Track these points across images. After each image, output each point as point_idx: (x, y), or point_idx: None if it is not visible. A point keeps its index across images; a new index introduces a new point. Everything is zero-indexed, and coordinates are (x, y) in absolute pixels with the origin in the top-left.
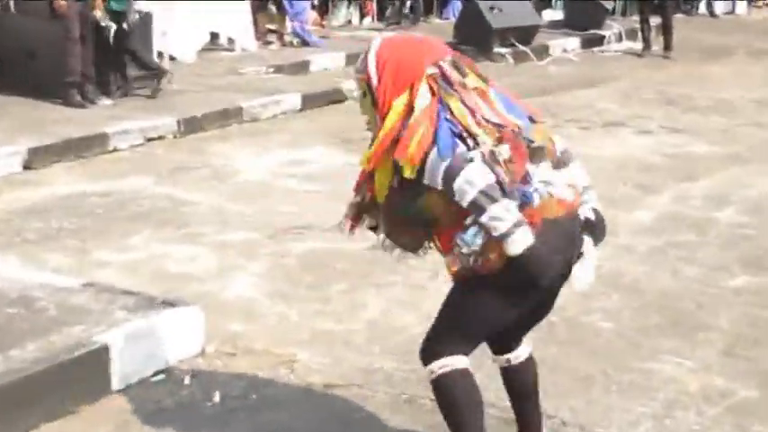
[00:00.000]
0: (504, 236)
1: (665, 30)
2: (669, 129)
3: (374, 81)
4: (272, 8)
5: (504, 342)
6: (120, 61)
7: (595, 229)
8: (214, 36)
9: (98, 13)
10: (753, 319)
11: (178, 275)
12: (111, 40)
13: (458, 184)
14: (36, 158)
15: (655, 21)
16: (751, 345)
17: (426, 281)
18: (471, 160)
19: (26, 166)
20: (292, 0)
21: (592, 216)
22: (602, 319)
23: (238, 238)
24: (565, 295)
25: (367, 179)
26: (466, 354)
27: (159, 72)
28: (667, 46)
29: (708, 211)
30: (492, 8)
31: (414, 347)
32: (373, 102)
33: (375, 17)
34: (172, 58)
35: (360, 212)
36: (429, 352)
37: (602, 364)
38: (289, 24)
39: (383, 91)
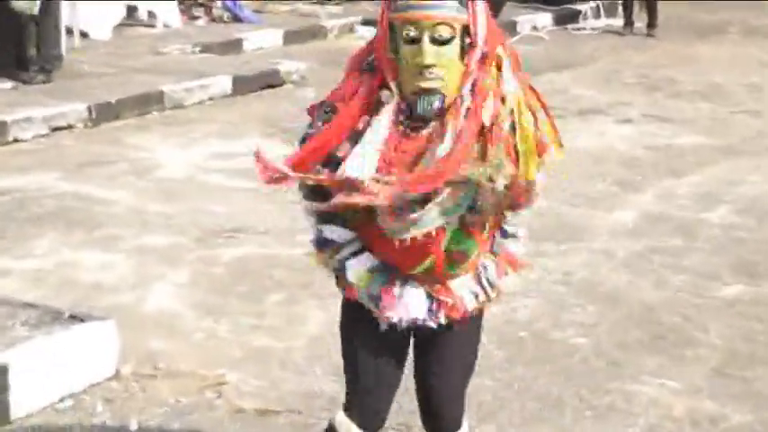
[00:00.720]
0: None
1: (649, 4)
2: (653, 117)
3: (481, 30)
4: None
5: None
6: (26, 33)
7: None
8: (132, 10)
9: None
10: (747, 333)
11: (89, 285)
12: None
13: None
14: None
15: None
16: (745, 363)
17: None
18: None
19: None
20: None
21: None
22: (576, 334)
23: (160, 243)
24: (533, 306)
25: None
26: None
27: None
28: (651, 23)
29: (696, 211)
30: None
31: None
32: (462, 53)
33: None
34: (83, 35)
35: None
36: (459, 416)
37: (576, 386)
38: None
39: (491, 44)
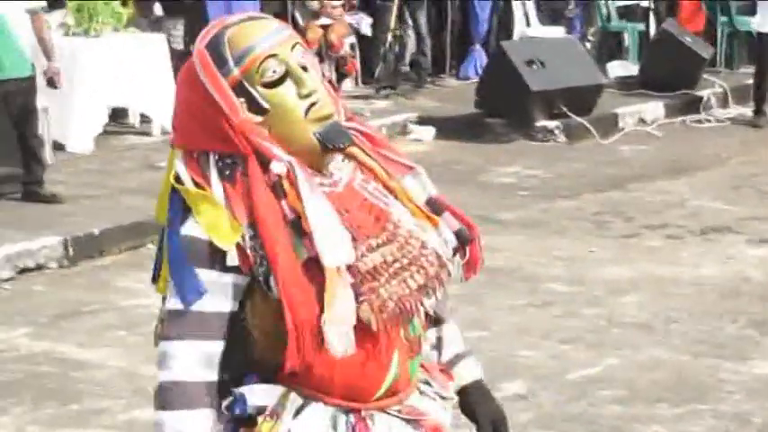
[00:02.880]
0: None
1: None
2: None
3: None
4: None
5: None
6: None
7: None
8: (119, 113)
9: None
10: None
11: None
12: None
13: None
14: None
15: None
16: None
17: None
18: None
19: None
20: None
21: None
22: None
23: None
24: None
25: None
26: None
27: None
28: None
29: None
30: (531, 62)
31: None
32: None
33: (359, 78)
34: (57, 147)
35: None
36: None
37: None
38: None
39: None
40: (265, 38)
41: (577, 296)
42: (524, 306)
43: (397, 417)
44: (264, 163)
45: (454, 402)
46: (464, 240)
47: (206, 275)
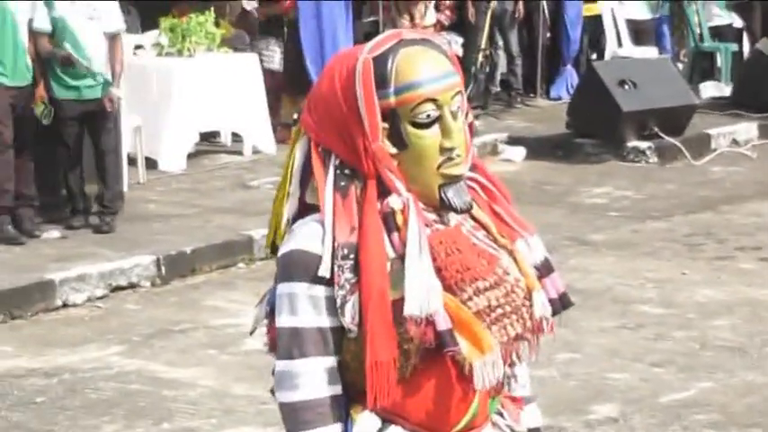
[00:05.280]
0: None
1: None
2: None
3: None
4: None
5: None
6: (77, 173)
7: None
8: (212, 132)
9: (39, 107)
10: None
11: None
12: (71, 140)
13: None
14: None
15: None
16: None
17: None
18: None
19: None
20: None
21: None
22: None
23: None
24: None
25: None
26: None
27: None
28: None
29: None
30: (623, 82)
31: None
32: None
33: None
34: (150, 166)
35: None
36: None
37: None
38: None
39: None
40: (435, 79)
41: (669, 318)
42: (616, 328)
43: None
44: (382, 191)
45: None
46: (558, 309)
47: (315, 290)
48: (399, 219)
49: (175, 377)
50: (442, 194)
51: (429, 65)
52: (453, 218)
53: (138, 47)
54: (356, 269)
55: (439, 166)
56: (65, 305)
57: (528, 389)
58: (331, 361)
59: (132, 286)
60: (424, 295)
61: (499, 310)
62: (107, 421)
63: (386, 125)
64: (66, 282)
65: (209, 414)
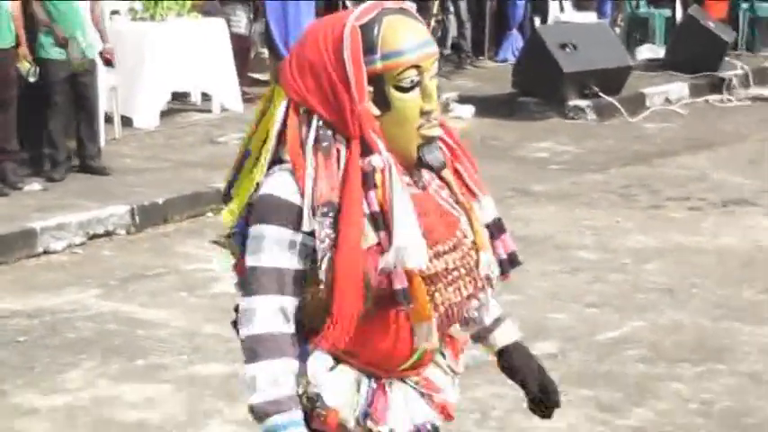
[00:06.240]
0: None
1: None
2: None
3: None
4: (265, 51)
5: None
6: (58, 127)
7: None
8: (183, 92)
9: (24, 66)
10: None
11: (131, 425)
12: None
13: None
14: None
15: None
16: None
17: None
18: None
19: None
20: (291, 39)
21: None
22: None
23: (215, 372)
24: None
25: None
26: None
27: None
28: None
29: None
30: (564, 45)
31: None
32: None
33: None
34: (125, 123)
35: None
36: None
37: None
38: None
39: None
40: (417, 46)
41: (605, 263)
42: (555, 272)
43: (414, 388)
44: (363, 151)
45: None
46: (506, 268)
47: (282, 233)
48: (378, 178)
49: (148, 318)
50: (420, 154)
51: (412, 33)
52: (424, 177)
53: (114, 12)
54: (335, 225)
55: (419, 128)
56: (46, 252)
57: (497, 310)
58: (288, 301)
59: (108, 234)
60: (413, 250)
61: (455, 273)
62: (85, 358)
63: (370, 89)
64: (46, 230)
65: (179, 351)
